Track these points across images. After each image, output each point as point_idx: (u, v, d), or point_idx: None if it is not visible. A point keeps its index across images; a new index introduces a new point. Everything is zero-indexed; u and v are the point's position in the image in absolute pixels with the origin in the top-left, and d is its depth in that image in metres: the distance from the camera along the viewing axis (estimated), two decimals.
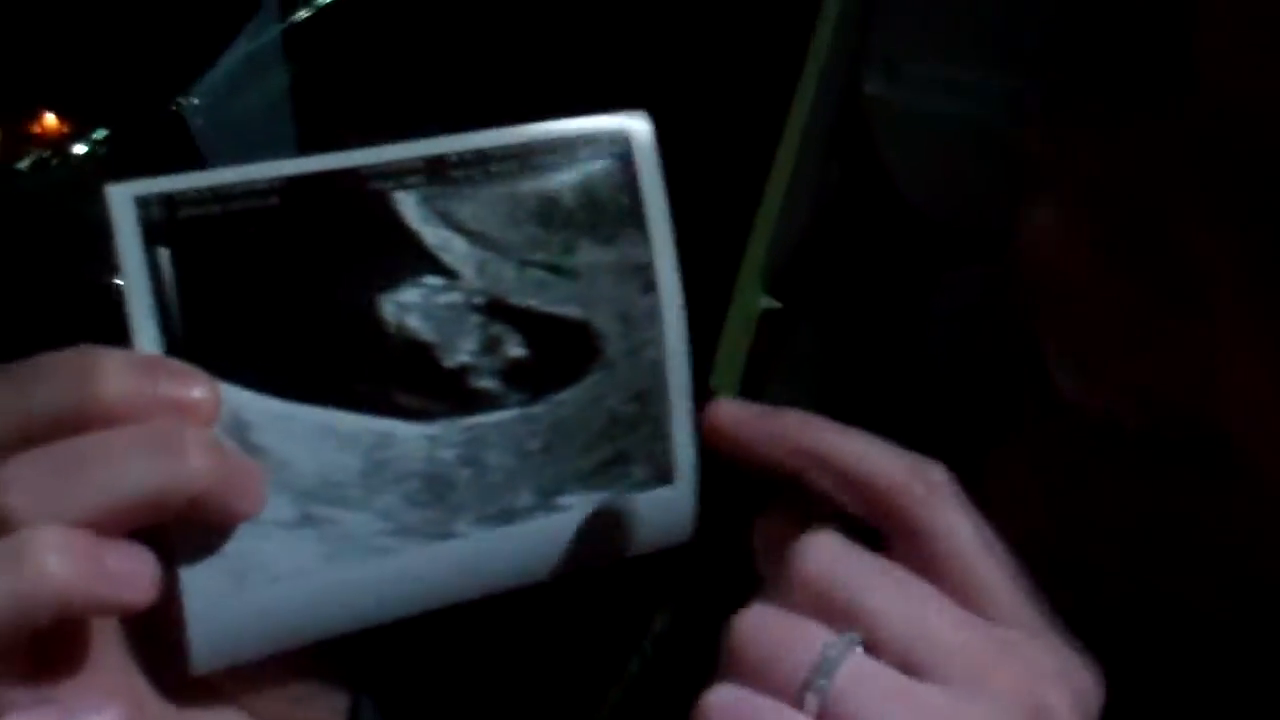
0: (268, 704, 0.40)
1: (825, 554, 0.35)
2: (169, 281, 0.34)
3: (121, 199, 0.34)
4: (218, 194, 0.35)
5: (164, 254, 0.35)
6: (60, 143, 0.56)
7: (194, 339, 0.35)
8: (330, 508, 0.36)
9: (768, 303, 0.80)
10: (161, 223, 0.35)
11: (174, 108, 0.64)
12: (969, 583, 0.34)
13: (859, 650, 0.33)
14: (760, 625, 0.34)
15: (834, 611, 0.34)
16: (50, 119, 0.56)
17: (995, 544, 0.35)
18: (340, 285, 0.36)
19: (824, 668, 0.32)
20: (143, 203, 0.34)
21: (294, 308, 0.36)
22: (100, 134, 0.57)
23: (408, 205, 0.37)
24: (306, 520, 0.36)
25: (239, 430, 0.35)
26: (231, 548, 0.35)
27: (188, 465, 0.33)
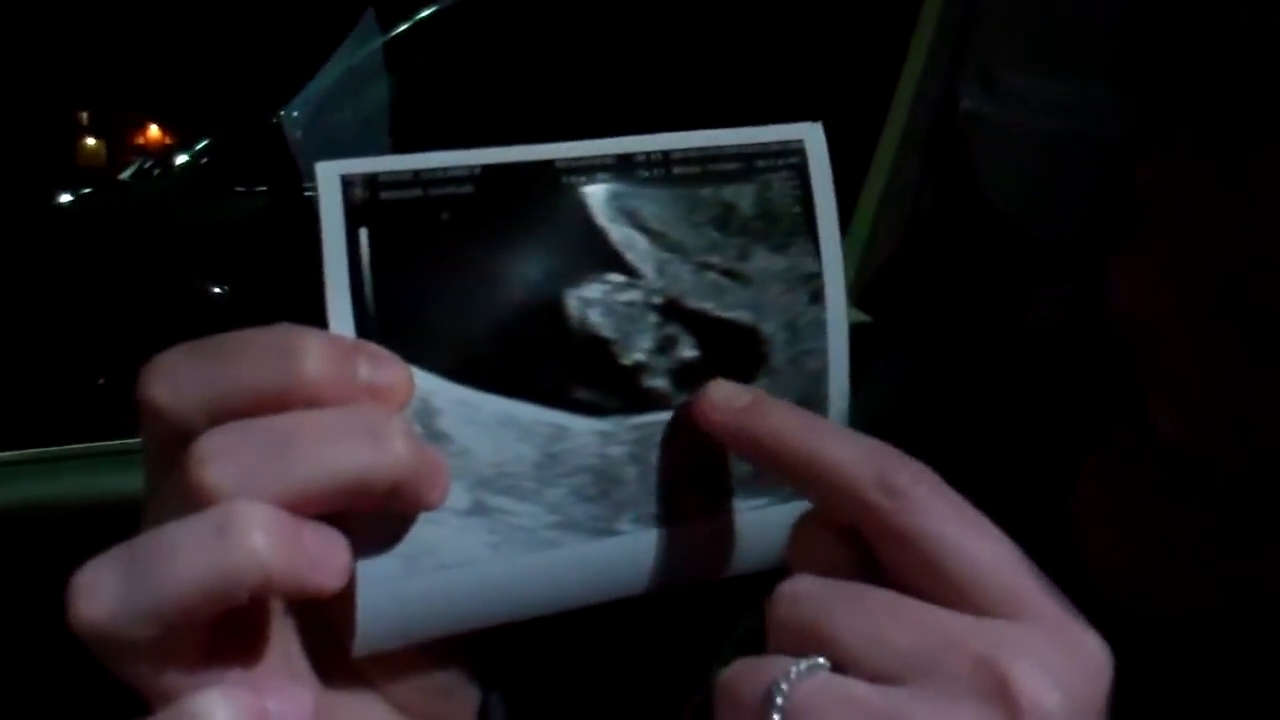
0: (409, 694, 0.39)
1: (791, 594, 0.34)
2: (366, 262, 0.35)
3: (329, 176, 0.34)
4: (419, 178, 0.35)
5: (364, 234, 0.35)
6: (163, 153, 0.58)
7: (387, 321, 0.35)
8: (503, 497, 0.37)
9: (856, 316, 0.79)
10: (364, 203, 0.35)
11: (274, 120, 0.65)
12: (947, 582, 0.32)
13: (823, 671, 0.33)
14: (738, 671, 0.34)
15: (800, 644, 0.33)
16: (154, 130, 0.58)
17: (982, 537, 0.33)
18: (528, 276, 0.36)
19: (784, 688, 0.32)
20: (347, 182, 0.35)
21: (483, 296, 0.36)
22: (202, 144, 0.59)
23: (596, 200, 0.37)
24: (479, 509, 0.37)
25: (425, 416, 0.35)
26: (406, 533, 0.36)
27: (391, 453, 0.33)
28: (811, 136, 0.40)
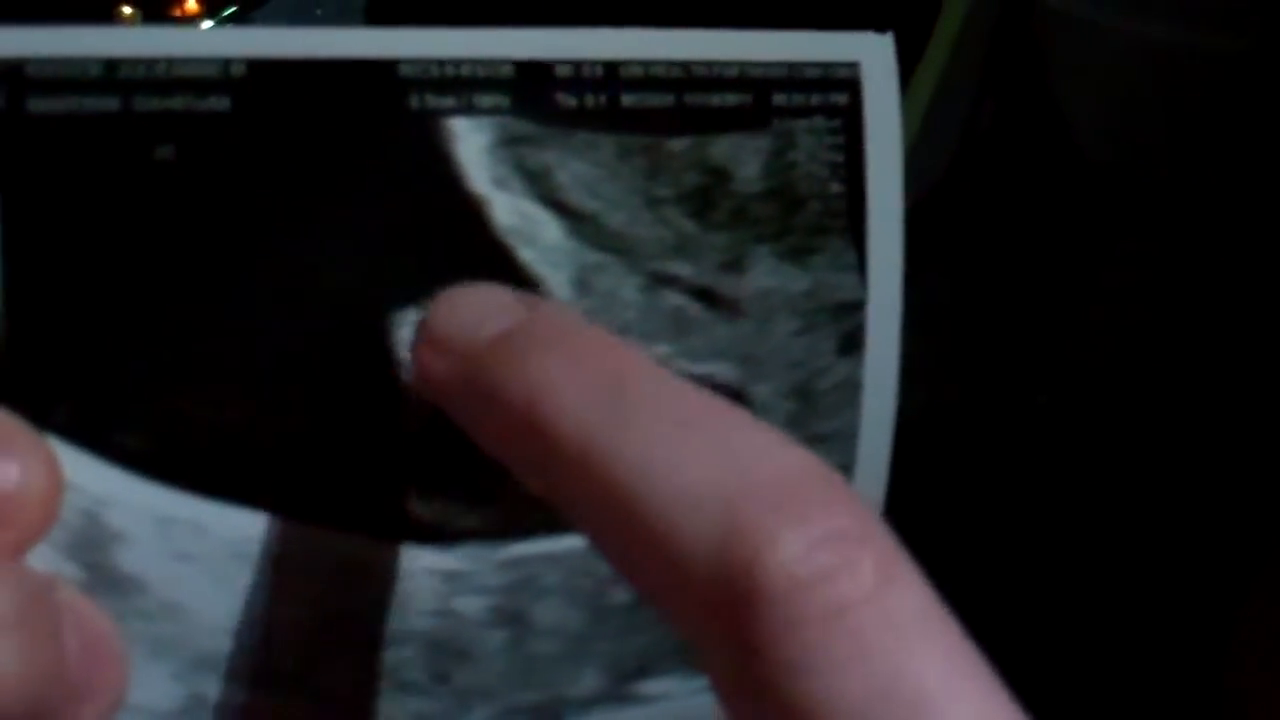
0: None
1: None
2: None
3: None
4: (115, 76, 0.18)
5: None
6: (196, 20, 0.50)
7: (23, 353, 0.18)
8: (248, 686, 0.21)
9: None
10: None
11: None
12: None
13: None
14: None
15: None
16: (191, 1, 0.50)
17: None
18: (324, 283, 0.20)
19: None
20: None
21: (229, 315, 0.19)
22: (229, 10, 0.51)
23: (469, 147, 0.20)
24: (197, 706, 0.20)
25: (92, 545, 0.19)
26: None
27: None
28: (873, 56, 0.23)
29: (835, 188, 0.23)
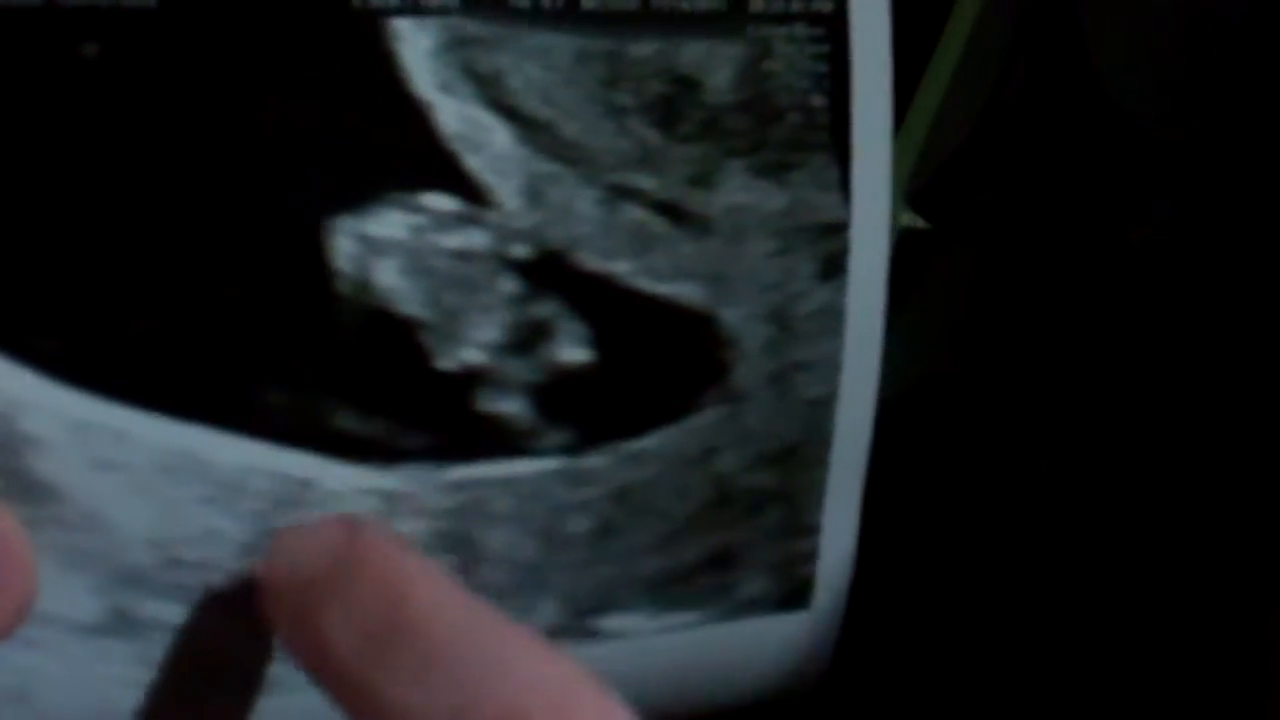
0: None
1: None
2: None
3: None
4: None
5: None
6: None
7: None
8: (170, 602, 0.20)
9: (911, 220, 0.61)
10: None
11: None
12: None
13: None
14: None
15: None
16: None
17: None
18: (258, 188, 0.19)
19: None
20: None
21: (153, 219, 0.18)
22: None
23: (413, 50, 0.19)
24: (119, 622, 0.20)
25: (6, 450, 0.18)
26: None
27: None
28: None
29: (817, 100, 0.21)
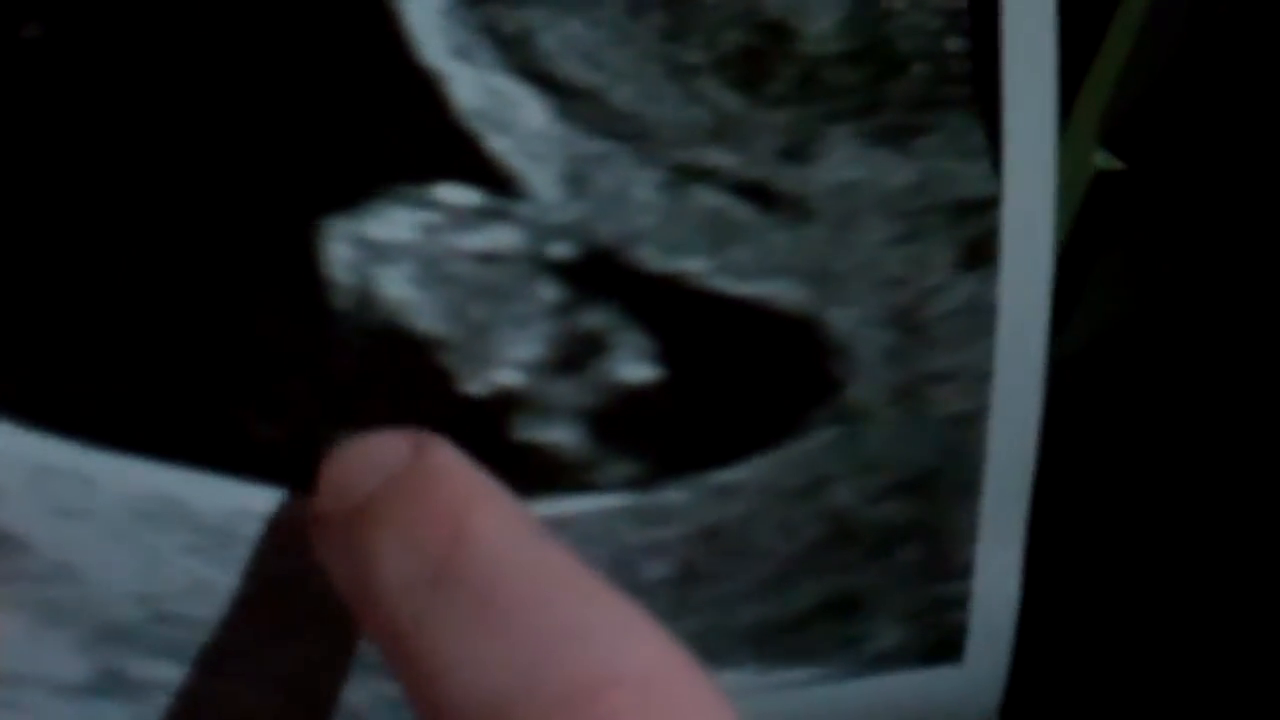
0: None
1: None
2: None
3: None
4: None
5: None
6: None
7: None
8: (160, 660, 0.18)
9: (1105, 161, 0.55)
10: None
11: None
12: None
13: None
14: None
15: None
16: None
17: None
18: (228, 180, 0.16)
19: None
20: None
21: (108, 220, 0.16)
22: None
23: (421, 6, 0.16)
24: (108, 681, 0.17)
25: None
26: None
27: None
28: None
29: (953, 44, 0.17)
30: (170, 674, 0.17)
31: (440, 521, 0.15)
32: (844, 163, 0.17)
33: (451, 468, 0.15)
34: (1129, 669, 0.30)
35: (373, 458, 0.16)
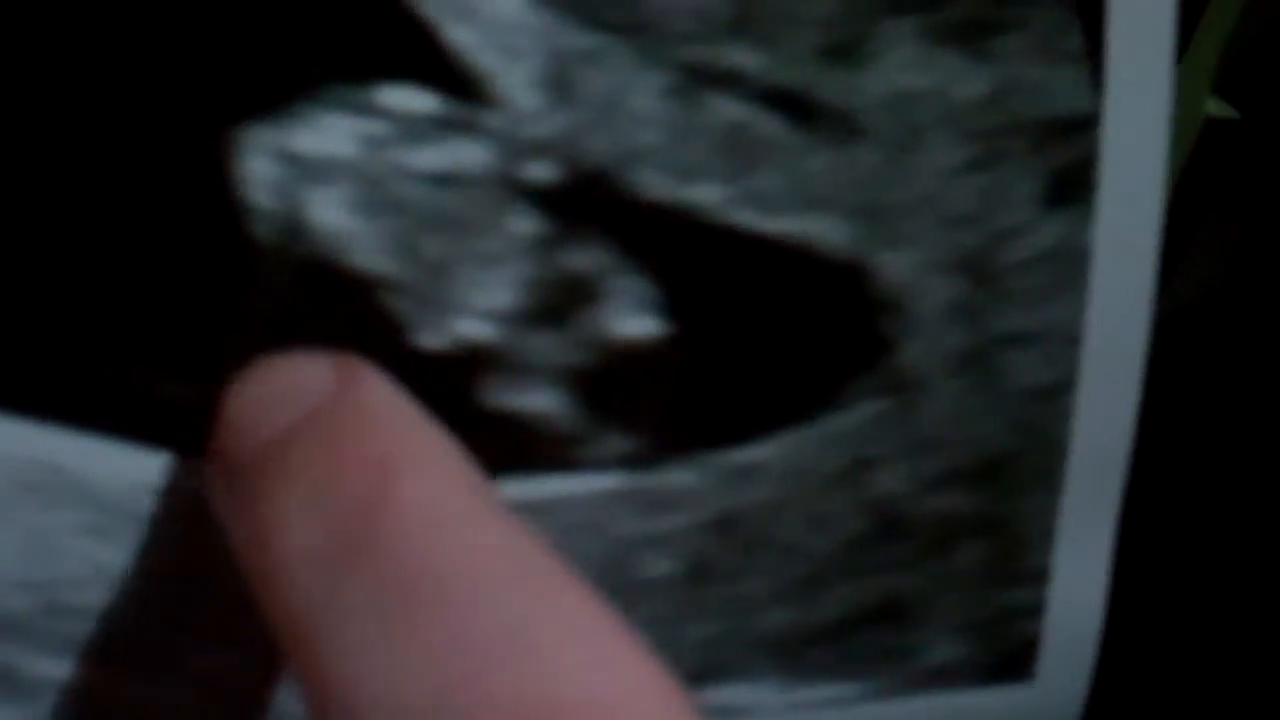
0: None
1: None
2: None
3: None
4: None
5: None
6: None
7: None
8: (51, 657, 0.15)
9: (1219, 108, 0.51)
10: None
11: None
12: None
13: None
14: None
15: None
16: None
17: None
18: (115, 87, 0.13)
19: None
20: None
21: (10, 144, 0.13)
22: None
23: None
24: (4, 681, 0.15)
25: None
26: None
27: None
28: None
29: None
30: (66, 672, 0.14)
31: (361, 478, 0.12)
32: (903, 67, 0.13)
33: (384, 408, 0.12)
34: (1227, 689, 0.27)
35: (287, 387, 0.12)
